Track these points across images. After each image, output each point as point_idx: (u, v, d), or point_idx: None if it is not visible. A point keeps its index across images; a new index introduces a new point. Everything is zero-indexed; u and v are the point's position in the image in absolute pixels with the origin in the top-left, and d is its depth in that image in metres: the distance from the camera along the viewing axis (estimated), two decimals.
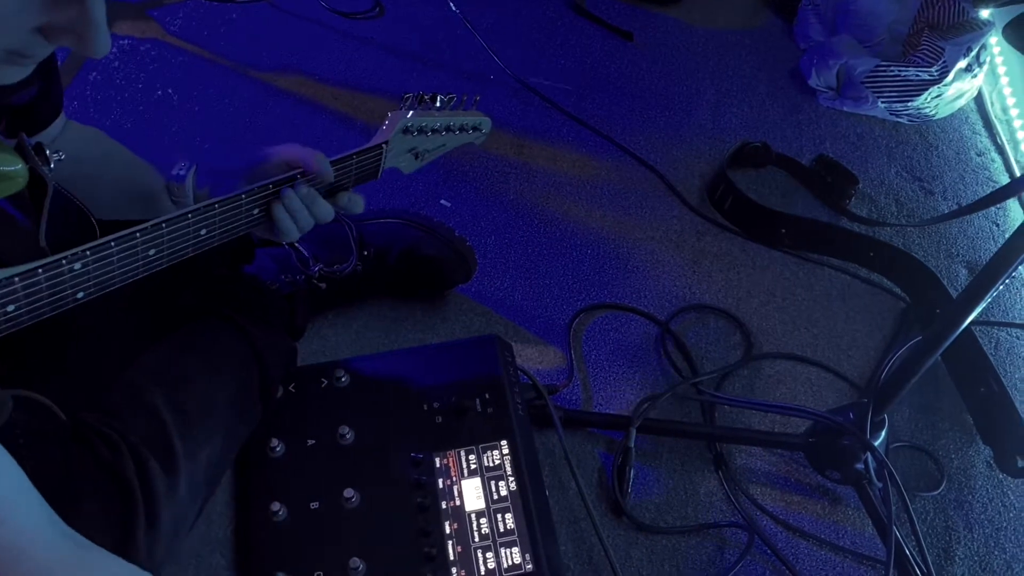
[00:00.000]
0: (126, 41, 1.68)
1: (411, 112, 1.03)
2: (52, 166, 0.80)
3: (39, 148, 0.78)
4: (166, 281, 0.90)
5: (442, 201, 1.51)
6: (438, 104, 1.06)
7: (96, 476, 0.84)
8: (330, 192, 1.00)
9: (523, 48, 1.86)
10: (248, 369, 1.03)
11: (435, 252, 1.28)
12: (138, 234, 0.79)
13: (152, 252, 0.82)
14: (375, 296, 1.31)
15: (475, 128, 1.14)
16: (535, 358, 1.32)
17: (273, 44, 1.73)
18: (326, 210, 0.98)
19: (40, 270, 0.73)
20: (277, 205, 0.93)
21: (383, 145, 1.02)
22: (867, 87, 1.82)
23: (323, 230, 1.25)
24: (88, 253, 0.76)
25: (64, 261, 0.74)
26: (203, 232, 0.87)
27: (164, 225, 0.82)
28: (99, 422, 0.87)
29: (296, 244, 1.19)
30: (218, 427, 0.97)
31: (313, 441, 1.09)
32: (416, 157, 1.09)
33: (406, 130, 1.04)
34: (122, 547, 0.83)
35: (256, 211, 0.92)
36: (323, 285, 1.20)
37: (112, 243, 0.78)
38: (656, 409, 1.25)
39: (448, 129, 1.09)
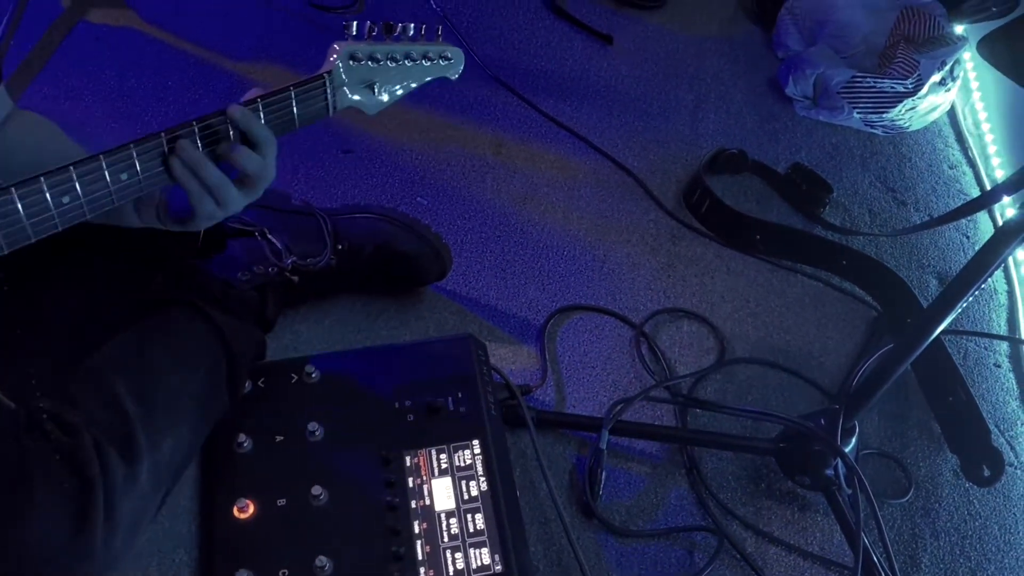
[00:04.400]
0: (100, 29, 1.65)
1: (360, 39, 0.93)
2: None
3: None
4: (133, 268, 0.88)
5: (419, 199, 1.50)
6: (394, 34, 0.94)
7: (51, 463, 0.82)
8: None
9: (502, 48, 1.85)
10: (215, 360, 1.01)
11: (410, 248, 1.27)
12: (43, 178, 0.74)
13: (66, 200, 0.76)
14: (348, 291, 1.30)
15: (443, 57, 1.01)
16: (509, 358, 1.31)
17: (250, 35, 1.71)
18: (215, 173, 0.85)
19: None
20: (173, 160, 0.82)
21: (325, 75, 0.91)
22: (843, 97, 1.84)
23: (297, 222, 1.23)
24: None
25: None
26: (124, 177, 0.79)
27: (72, 168, 0.76)
28: (58, 409, 0.86)
29: (268, 235, 1.18)
30: (182, 418, 0.95)
31: (281, 437, 1.08)
32: (375, 92, 0.97)
33: (354, 57, 0.92)
34: (78, 536, 0.82)
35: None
36: (295, 278, 1.18)
37: (12, 188, 0.73)
38: (629, 411, 1.25)
39: (409, 58, 0.97)
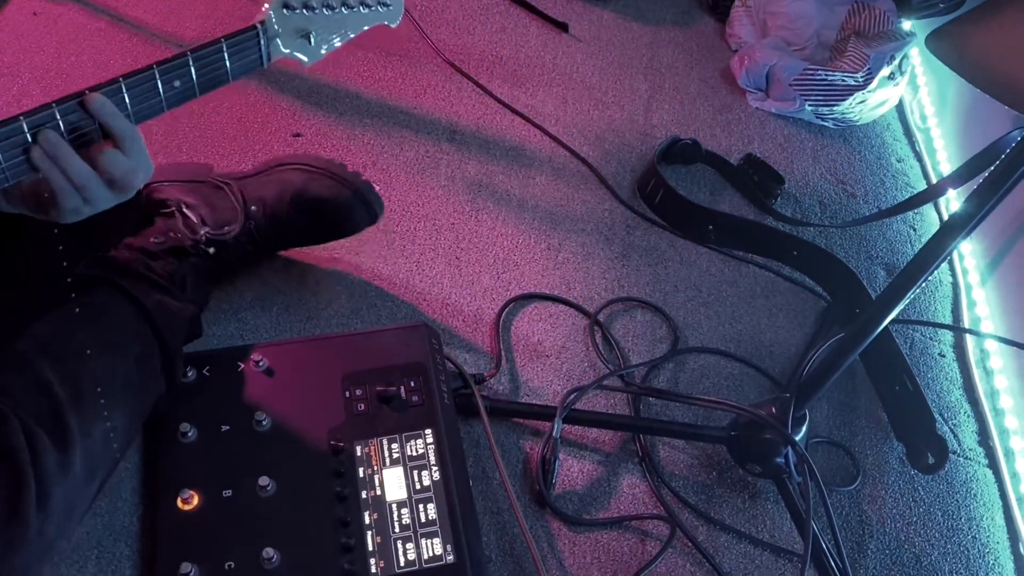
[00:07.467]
0: (38, 3, 1.59)
1: None
2: None
3: None
4: (56, 250, 0.85)
5: None
6: None
7: None
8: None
9: (457, 33, 1.83)
10: (146, 343, 0.98)
11: (328, 193, 1.18)
12: None
13: None
14: (274, 255, 1.25)
15: (382, 3, 0.97)
16: (463, 346, 1.30)
17: (198, 15, 1.66)
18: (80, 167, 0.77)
19: None
20: (36, 150, 0.75)
21: (257, 25, 0.88)
22: (795, 89, 1.85)
23: (214, 194, 1.19)
24: None
25: None
26: None
27: None
28: None
29: (184, 209, 1.14)
30: (115, 403, 0.92)
31: (227, 427, 1.05)
32: (311, 41, 0.93)
33: (287, 6, 0.90)
34: (9, 524, 0.79)
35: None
36: (211, 250, 1.13)
37: None
38: (582, 400, 1.25)
39: (345, 5, 0.94)
